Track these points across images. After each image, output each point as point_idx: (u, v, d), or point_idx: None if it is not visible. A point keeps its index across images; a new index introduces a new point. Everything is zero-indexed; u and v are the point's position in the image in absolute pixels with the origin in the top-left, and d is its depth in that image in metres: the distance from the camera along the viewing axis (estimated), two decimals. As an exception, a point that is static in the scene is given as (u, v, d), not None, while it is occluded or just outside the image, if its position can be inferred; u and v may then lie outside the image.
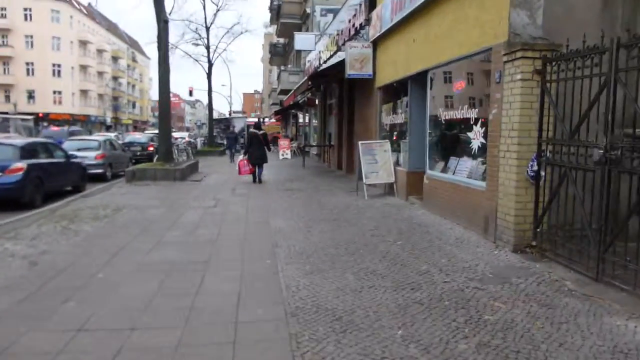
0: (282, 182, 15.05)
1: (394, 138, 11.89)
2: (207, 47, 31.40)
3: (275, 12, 36.84)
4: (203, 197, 11.67)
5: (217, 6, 31.34)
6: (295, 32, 22.12)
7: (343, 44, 15.63)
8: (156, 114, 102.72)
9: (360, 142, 11.44)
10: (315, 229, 7.84)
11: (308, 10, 28.18)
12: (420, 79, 10.04)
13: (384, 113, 12.57)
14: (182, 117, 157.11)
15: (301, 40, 21.17)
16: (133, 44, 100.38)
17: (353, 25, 14.20)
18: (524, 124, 6.12)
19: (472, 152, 7.67)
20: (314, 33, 21.90)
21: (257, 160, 14.56)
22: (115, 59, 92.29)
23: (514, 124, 6.19)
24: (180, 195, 12.12)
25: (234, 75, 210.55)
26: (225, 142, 31.29)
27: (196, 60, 32.08)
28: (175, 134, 44.88)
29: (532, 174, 6.11)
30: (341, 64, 13.63)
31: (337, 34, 16.81)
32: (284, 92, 32.18)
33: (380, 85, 12.61)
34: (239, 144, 23.82)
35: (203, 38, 31.46)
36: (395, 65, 11.26)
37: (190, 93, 53.75)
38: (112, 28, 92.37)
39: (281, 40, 48.97)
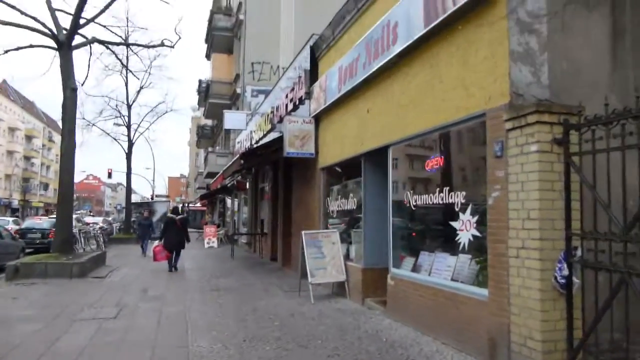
0: (207, 277, 12.60)
1: (343, 227, 10.07)
2: (128, 126, 29.13)
3: (204, 93, 35.54)
4: (103, 302, 9.05)
5: (141, 83, 29.35)
6: (224, 110, 20.56)
7: (279, 121, 14.12)
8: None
9: (303, 233, 9.50)
10: (253, 356, 5.60)
11: (238, 91, 26.99)
12: (377, 157, 8.47)
13: (329, 197, 10.83)
14: (102, 200, 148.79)
15: (231, 118, 19.59)
16: (50, 123, 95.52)
17: (291, 100, 12.75)
18: (545, 211, 4.48)
19: (459, 248, 5.93)
20: (245, 112, 20.49)
21: (173, 246, 13.83)
22: (29, 138, 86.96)
23: (531, 211, 4.54)
24: (73, 298, 9.40)
25: (159, 159, 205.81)
26: (137, 229, 27.04)
27: (115, 139, 29.56)
28: (89, 219, 40.88)
29: (562, 280, 4.40)
30: (278, 141, 11.96)
31: (272, 111, 15.32)
32: (211, 175, 30.09)
33: (325, 165, 10.97)
34: (154, 233, 20.00)
35: (124, 116, 29.20)
36: (343, 142, 9.71)
37: (109, 175, 50.27)
38: (27, 106, 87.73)
39: (209, 122, 47.58)
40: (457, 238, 5.91)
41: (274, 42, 26.98)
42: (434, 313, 6.17)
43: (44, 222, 23.76)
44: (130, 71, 24.83)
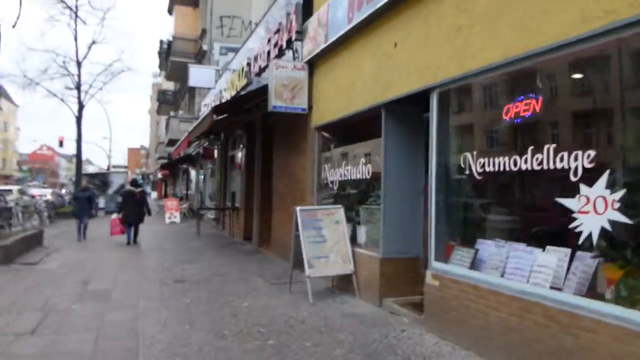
0: (169, 262, 10.18)
1: (346, 201, 7.80)
2: (78, 87, 25.80)
3: (165, 54, 32.25)
4: (22, 305, 6.59)
5: (93, 37, 25.92)
6: (189, 65, 17.78)
7: (259, 73, 11.60)
8: (24, 168, 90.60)
9: (298, 209, 7.16)
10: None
11: (205, 48, 24.06)
12: (406, 108, 6.22)
13: (327, 165, 8.51)
14: (57, 172, 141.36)
15: (197, 75, 16.83)
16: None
17: (275, 44, 10.26)
18: None
19: (575, 240, 3.74)
20: (213, 67, 17.77)
21: (132, 220, 13.46)
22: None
23: None
24: (-18, 298, 6.89)
25: (119, 131, 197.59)
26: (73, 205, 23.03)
27: (62, 100, 26.18)
28: (36, 191, 37.29)
29: None
30: (260, 93, 9.50)
31: (248, 63, 12.77)
32: (173, 142, 27.20)
33: (321, 123, 8.62)
34: (92, 209, 16.13)
35: (73, 75, 25.83)
36: (351, 91, 7.36)
37: (61, 143, 46.31)
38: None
39: (171, 87, 44.13)
40: (573, 225, 3.71)
41: (245, -6, 24.05)
42: (521, 338, 4.02)
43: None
44: (79, 17, 21.51)
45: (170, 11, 32.36)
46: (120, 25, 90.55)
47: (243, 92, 11.76)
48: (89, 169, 79.89)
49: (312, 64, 8.95)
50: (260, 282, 8.18)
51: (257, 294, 7.35)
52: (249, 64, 12.94)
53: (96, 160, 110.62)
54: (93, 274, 8.99)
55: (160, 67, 42.40)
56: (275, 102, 8.72)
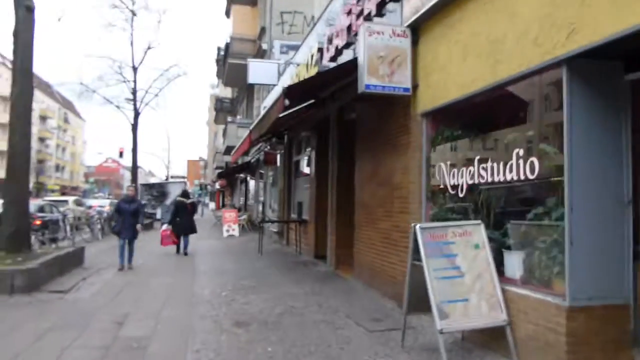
0: (227, 292, 8.03)
1: (480, 215, 5.33)
2: (134, 93, 24.67)
3: (222, 61, 30.89)
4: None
5: (149, 43, 24.79)
6: (249, 59, 15.86)
7: (334, 57, 9.34)
8: (90, 180, 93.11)
9: (418, 227, 4.75)
10: None
11: (264, 47, 22.27)
12: (604, 65, 3.81)
13: (442, 163, 6.07)
14: (120, 183, 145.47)
15: (257, 70, 14.86)
16: (66, 104, 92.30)
17: (360, 14, 7.96)
18: None
19: None
20: (275, 61, 15.78)
21: (182, 230, 13.42)
22: (43, 118, 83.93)
23: None
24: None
25: (179, 142, 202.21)
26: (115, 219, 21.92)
27: (118, 107, 25.13)
28: (94, 202, 36.83)
29: None
30: (346, 70, 7.23)
31: (320, 48, 10.60)
32: (231, 150, 25.53)
33: (432, 108, 6.23)
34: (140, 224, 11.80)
35: (128, 81, 24.73)
36: (496, 50, 4.92)
37: (121, 154, 46.31)
38: (42, 86, 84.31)
39: (229, 95, 43.02)
40: None
41: (307, -11, 22.11)
42: None
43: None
44: (133, 13, 20.10)
45: (227, 13, 31.00)
46: (177, 30, 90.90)
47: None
48: (151, 181, 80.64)
49: (417, 29, 6.59)
50: (353, 328, 5.84)
51: (355, 349, 5.02)
52: (320, 49, 10.76)
53: (158, 172, 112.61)
54: (132, 308, 6.95)
55: (218, 74, 41.37)
56: (369, 80, 6.40)
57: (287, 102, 6.46)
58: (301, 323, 6.04)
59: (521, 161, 4.60)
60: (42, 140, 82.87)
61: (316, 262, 11.39)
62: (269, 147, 17.11)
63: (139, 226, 10.92)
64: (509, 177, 4.77)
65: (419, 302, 4.87)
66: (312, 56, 11.26)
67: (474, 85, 5.27)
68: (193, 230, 13.76)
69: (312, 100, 9.49)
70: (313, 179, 12.17)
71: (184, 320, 6.22)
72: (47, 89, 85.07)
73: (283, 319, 6.23)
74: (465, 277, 4.65)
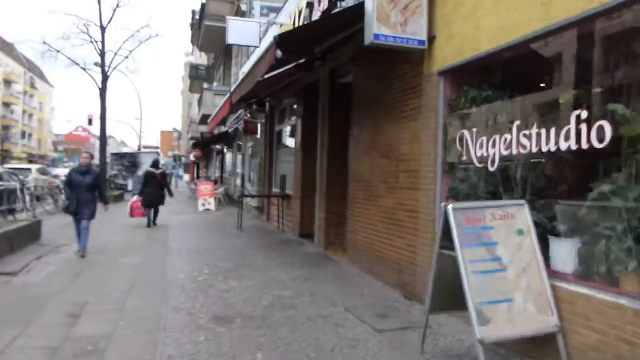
0: (206, 274, 6.99)
1: (517, 193, 4.39)
2: (102, 54, 22.89)
3: (198, 23, 29.15)
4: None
5: (118, 1, 22.98)
6: (228, 17, 14.49)
7: (327, 12, 8.18)
8: (59, 148, 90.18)
9: (451, 207, 3.76)
10: None
11: (243, 8, 20.79)
12: None
13: (466, 130, 5.07)
14: (91, 153, 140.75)
15: (237, 30, 13.50)
16: (33, 68, 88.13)
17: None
18: None
19: None
20: (257, 20, 14.45)
21: (152, 202, 13.15)
22: (7, 82, 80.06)
23: None
24: None
25: (152, 113, 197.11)
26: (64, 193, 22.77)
27: (84, 69, 23.26)
28: (60, 170, 34.91)
29: None
30: (348, 16, 6.12)
31: (310, 1, 9.43)
32: (207, 119, 24.16)
33: (453, 64, 5.20)
34: (102, 199, 9.33)
35: (96, 41, 22.92)
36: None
37: (90, 121, 43.94)
38: (6, 48, 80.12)
39: (204, 62, 41.21)
40: None
41: (290, -55, 20.61)
42: None
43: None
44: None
45: (204, -27, 29.12)
46: None
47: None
48: (123, 150, 78.36)
49: (436, -31, 5.51)
50: (357, 325, 4.89)
51: (365, 355, 4.07)
52: (309, 4, 9.59)
53: (131, 142, 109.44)
54: (92, 295, 5.87)
55: (193, 40, 39.46)
56: (379, 29, 5.31)
57: (279, 53, 5.34)
58: (293, 318, 5.07)
59: (583, 126, 3.63)
60: (6, 105, 79.17)
61: (302, 241, 10.41)
62: (248, 115, 15.91)
63: (107, 207, 9.00)
64: (563, 146, 3.80)
65: (445, 299, 3.95)
66: (299, 12, 10.07)
67: (515, 32, 4.25)
68: (161, 201, 13.39)
69: (303, 60, 8.34)
70: (299, 150, 11.10)
71: (153, 314, 5.18)
72: (12, 51, 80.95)
73: (271, 313, 5.25)
74: (508, 270, 3.72)
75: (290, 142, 13.17)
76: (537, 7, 3.99)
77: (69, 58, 22.92)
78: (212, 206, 18.77)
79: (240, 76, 19.63)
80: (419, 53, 5.75)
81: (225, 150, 25.24)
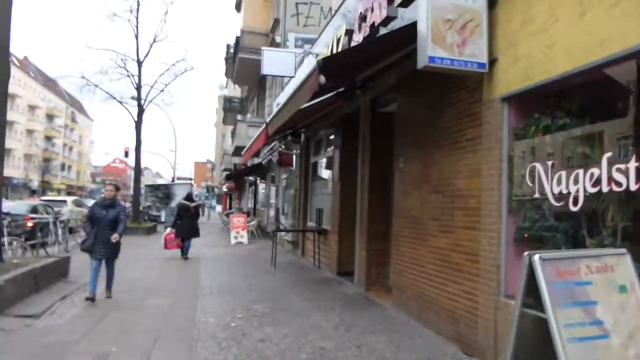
0: (238, 319, 6.40)
1: (614, 239, 3.69)
2: (138, 87, 23.15)
3: (232, 56, 29.40)
4: None
5: (154, 37, 23.32)
6: (263, 48, 14.32)
7: (376, 27, 7.67)
8: (97, 180, 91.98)
9: (537, 257, 3.10)
10: None
11: (278, 40, 20.76)
12: None
13: (538, 163, 4.41)
14: (127, 184, 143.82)
15: (272, 60, 13.30)
16: (74, 103, 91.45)
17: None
18: None
19: None
20: (293, 50, 14.22)
21: (186, 234, 13.16)
22: (50, 117, 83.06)
23: None
24: None
25: (185, 144, 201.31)
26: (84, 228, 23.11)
27: (120, 103, 23.53)
28: (91, 202, 35.30)
29: None
30: (401, 38, 5.59)
31: (349, 29, 9.03)
32: (240, 151, 23.97)
33: (522, 88, 4.58)
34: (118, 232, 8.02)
35: (133, 75, 23.22)
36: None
37: (126, 154, 44.70)
38: (49, 84, 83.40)
39: (238, 94, 41.59)
40: None
41: (325, -23, 20.62)
42: None
43: (20, 204, 18.00)
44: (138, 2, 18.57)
45: (238, 7, 29.57)
46: (185, 24, 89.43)
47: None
48: (157, 182, 79.75)
49: (498, -16, 4.97)
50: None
51: None
52: (348, 31, 9.17)
53: (166, 174, 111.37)
54: (116, 343, 5.33)
55: (227, 73, 39.93)
56: (434, 51, 4.76)
57: (322, 79, 4.83)
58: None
59: None
60: (48, 138, 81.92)
61: (340, 279, 9.74)
62: (283, 146, 15.52)
63: (115, 236, 7.30)
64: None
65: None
66: (337, 40, 9.66)
67: (604, 50, 3.62)
68: (196, 233, 13.49)
69: (343, 88, 7.86)
70: (336, 183, 10.55)
71: (181, 370, 4.60)
72: (54, 87, 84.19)
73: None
74: (612, 337, 3.01)
75: (326, 174, 12.67)
76: (634, 20, 3.37)
77: (106, 92, 23.21)
78: (245, 239, 18.32)
79: (275, 108, 19.44)
80: (476, 77, 5.17)
81: (258, 181, 24.92)
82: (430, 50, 4.76)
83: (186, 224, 13.18)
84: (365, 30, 7.94)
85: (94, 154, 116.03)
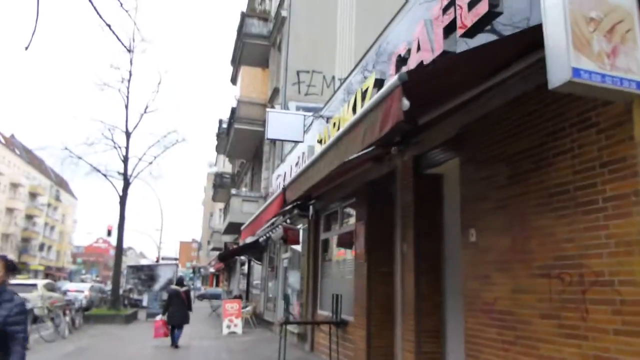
0: None
1: None
2: (125, 159, 21.51)
3: (226, 127, 28.22)
4: None
5: (145, 108, 22.06)
6: (268, 110, 12.89)
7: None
8: (78, 260, 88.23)
9: None
10: None
11: (277, 109, 19.54)
12: None
13: None
14: (109, 265, 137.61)
15: (278, 123, 11.73)
16: (60, 182, 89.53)
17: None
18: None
19: None
20: (301, 112, 12.74)
21: (177, 320, 12.72)
22: (33, 195, 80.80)
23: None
24: None
25: (171, 223, 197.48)
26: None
27: (105, 176, 21.73)
28: (72, 286, 32.43)
29: None
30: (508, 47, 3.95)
31: (381, 78, 7.59)
32: (234, 228, 22.01)
33: None
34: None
35: (120, 147, 21.66)
36: None
37: (109, 232, 42.31)
38: (35, 162, 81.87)
39: (228, 169, 40.24)
40: None
41: (327, 48, 19.87)
42: None
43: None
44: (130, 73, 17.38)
45: (234, 80, 28.77)
46: (176, 98, 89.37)
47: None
48: (141, 262, 76.28)
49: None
50: None
51: None
52: (379, 81, 7.71)
53: (150, 254, 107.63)
54: None
55: (218, 149, 38.79)
56: (578, 61, 3.13)
57: (406, 103, 3.10)
58: None
59: None
60: (29, 217, 79.06)
61: (373, 389, 7.56)
62: (288, 221, 13.67)
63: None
64: None
65: None
66: (364, 92, 8.17)
67: None
68: (186, 320, 13.03)
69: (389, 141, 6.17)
70: (362, 264, 8.61)
71: None
72: (40, 165, 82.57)
73: None
74: None
75: (342, 253, 10.76)
76: None
77: (90, 165, 21.47)
78: (239, 329, 15.99)
79: (274, 181, 17.77)
80: (617, 109, 3.52)
81: (252, 262, 22.72)
82: (574, 60, 3.12)
83: (177, 310, 12.79)
84: (426, 48, 6.39)
85: (77, 234, 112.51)
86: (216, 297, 36.56)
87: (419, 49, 6.32)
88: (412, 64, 6.45)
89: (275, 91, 20.35)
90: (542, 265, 4.29)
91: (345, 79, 11.21)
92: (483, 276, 5.11)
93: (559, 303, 4.07)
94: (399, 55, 6.96)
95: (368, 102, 3.80)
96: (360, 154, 5.60)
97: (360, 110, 3.90)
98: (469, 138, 5.56)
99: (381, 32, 8.74)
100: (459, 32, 5.10)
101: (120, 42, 20.07)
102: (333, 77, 19.43)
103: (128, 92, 21.55)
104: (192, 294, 34.37)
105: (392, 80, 3.31)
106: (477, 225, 5.31)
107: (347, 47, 19.77)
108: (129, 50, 20.76)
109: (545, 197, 4.32)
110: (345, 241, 10.56)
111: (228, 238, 32.20)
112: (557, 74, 3.20)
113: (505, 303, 4.74)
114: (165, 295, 23.82)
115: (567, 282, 3.99)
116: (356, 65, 10.29)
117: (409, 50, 6.73)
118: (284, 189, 7.01)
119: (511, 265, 4.69)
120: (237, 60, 25.33)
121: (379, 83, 7.81)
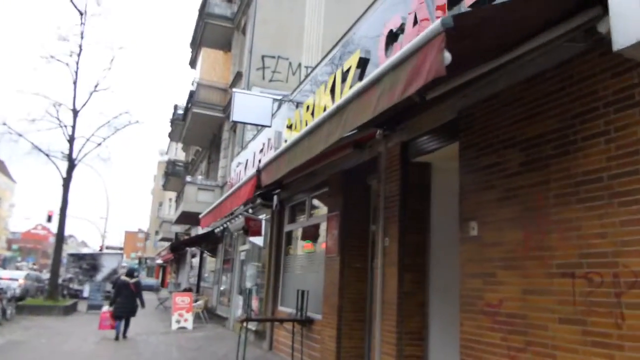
0: None
1: None
2: (71, 139, 19.98)
3: (182, 113, 26.96)
4: None
5: (96, 86, 20.62)
6: (234, 90, 12.01)
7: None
8: (14, 247, 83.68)
9: None
10: None
11: (240, 94, 18.61)
12: None
13: None
14: (49, 252, 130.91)
15: (245, 105, 10.91)
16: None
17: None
18: None
19: None
20: (270, 95, 11.93)
21: (124, 312, 12.30)
22: (-35, 177, 75.88)
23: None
24: None
25: (116, 212, 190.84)
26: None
27: (48, 156, 20.06)
28: (5, 273, 30.26)
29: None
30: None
31: (365, 57, 6.99)
32: (188, 217, 20.94)
33: None
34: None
35: (66, 126, 20.12)
36: None
37: (49, 218, 40.03)
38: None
39: (181, 158, 38.80)
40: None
41: (295, 34, 19.10)
42: None
43: None
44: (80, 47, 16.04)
45: (193, 63, 27.50)
46: (130, 78, 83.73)
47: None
48: (82, 251, 72.75)
49: None
50: None
51: None
52: (363, 60, 7.12)
53: (93, 243, 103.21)
54: None
55: (172, 136, 37.19)
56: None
57: (447, 57, 2.43)
58: None
59: None
60: (-40, 200, 74.17)
61: (343, 394, 6.95)
62: (250, 210, 12.88)
63: None
64: None
65: None
66: (345, 72, 7.54)
67: None
68: (133, 312, 12.74)
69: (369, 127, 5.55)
70: (333, 258, 7.98)
71: None
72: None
73: None
74: None
75: (311, 246, 10.12)
76: None
77: (32, 143, 19.75)
78: (189, 324, 15.06)
79: (235, 169, 16.85)
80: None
81: (205, 254, 21.70)
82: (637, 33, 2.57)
83: (125, 302, 12.43)
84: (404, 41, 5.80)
85: (14, 219, 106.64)
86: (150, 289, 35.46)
87: (415, 23, 5.75)
88: (405, 41, 5.86)
89: (238, 75, 19.42)
90: (563, 264, 3.77)
91: (314, 68, 10.57)
92: (486, 274, 4.57)
93: (584, 306, 3.56)
94: (391, 30, 6.37)
95: (390, 60, 3.12)
96: (350, 133, 4.93)
97: (377, 70, 3.21)
98: (471, 122, 5.01)
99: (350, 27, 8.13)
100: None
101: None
102: (299, 65, 18.70)
103: (77, 68, 20.01)
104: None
105: (432, 26, 2.65)
106: (479, 218, 4.76)
107: (315, 35, 19.09)
108: (81, 13, 19.22)
109: (569, 187, 3.81)
110: (313, 234, 9.93)
111: (179, 228, 30.92)
112: (627, 33, 2.65)
113: (513, 305, 4.20)
114: (109, 286, 22.53)
115: (597, 283, 3.48)
116: (323, 58, 9.70)
117: (402, 26, 6.16)
118: (259, 171, 6.27)
119: (523, 262, 4.16)
120: (198, 42, 24.16)
121: (362, 62, 7.21)
